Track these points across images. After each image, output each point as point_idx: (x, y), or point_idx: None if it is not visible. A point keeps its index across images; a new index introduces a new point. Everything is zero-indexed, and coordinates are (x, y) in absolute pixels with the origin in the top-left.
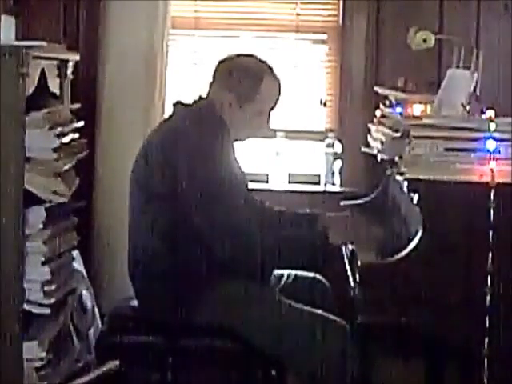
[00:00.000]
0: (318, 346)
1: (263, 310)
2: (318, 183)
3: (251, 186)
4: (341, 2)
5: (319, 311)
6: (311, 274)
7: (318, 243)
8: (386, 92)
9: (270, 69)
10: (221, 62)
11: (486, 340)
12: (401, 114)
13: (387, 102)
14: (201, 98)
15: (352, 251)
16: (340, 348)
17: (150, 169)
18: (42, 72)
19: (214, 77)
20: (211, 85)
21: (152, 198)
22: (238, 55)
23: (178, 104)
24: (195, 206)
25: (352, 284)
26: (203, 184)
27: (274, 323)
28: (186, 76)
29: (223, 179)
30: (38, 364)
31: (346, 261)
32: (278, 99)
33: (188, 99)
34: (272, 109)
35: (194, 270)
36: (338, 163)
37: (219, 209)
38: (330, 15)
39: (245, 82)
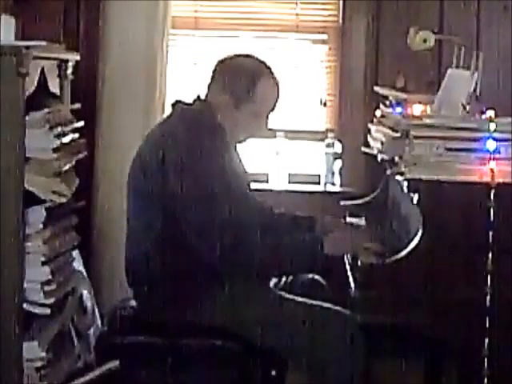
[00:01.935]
0: (320, 337)
1: (263, 305)
2: (318, 183)
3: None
4: (341, 2)
5: (320, 303)
6: (309, 275)
7: (313, 250)
8: (386, 92)
9: (269, 69)
10: (219, 62)
11: (486, 340)
12: (401, 113)
13: (387, 102)
14: (199, 98)
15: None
16: (343, 338)
17: (146, 170)
18: (42, 72)
19: (212, 77)
20: (209, 85)
21: (148, 199)
22: (237, 55)
23: (177, 103)
24: (188, 207)
25: (352, 284)
26: (195, 186)
27: (274, 317)
28: (186, 76)
29: (216, 182)
30: (38, 364)
31: (346, 261)
32: (276, 101)
33: (188, 99)
34: (270, 110)
35: (192, 270)
36: (338, 163)
37: (211, 211)
38: (330, 15)
39: (241, 82)
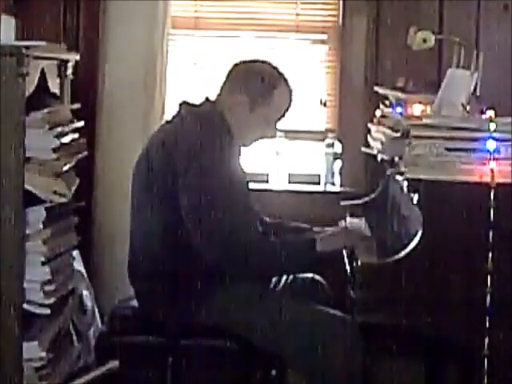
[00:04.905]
0: (320, 341)
1: (264, 307)
2: (318, 183)
3: (251, 186)
4: (341, 2)
5: (320, 307)
6: (309, 275)
7: (306, 251)
8: (386, 92)
9: (285, 79)
10: (237, 64)
11: (486, 340)
12: (401, 113)
13: (387, 102)
14: (207, 99)
15: (352, 251)
16: (342, 341)
17: (150, 169)
18: (42, 72)
19: (227, 78)
20: (223, 86)
21: (152, 198)
22: (255, 60)
23: (183, 104)
24: (192, 206)
25: (352, 284)
26: (200, 185)
27: (274, 318)
28: (186, 76)
29: (222, 182)
30: (37, 364)
31: (346, 261)
32: (287, 110)
33: (188, 99)
34: (280, 118)
35: (193, 270)
36: (338, 163)
37: (214, 211)
38: (329, 15)
39: (259, 86)
